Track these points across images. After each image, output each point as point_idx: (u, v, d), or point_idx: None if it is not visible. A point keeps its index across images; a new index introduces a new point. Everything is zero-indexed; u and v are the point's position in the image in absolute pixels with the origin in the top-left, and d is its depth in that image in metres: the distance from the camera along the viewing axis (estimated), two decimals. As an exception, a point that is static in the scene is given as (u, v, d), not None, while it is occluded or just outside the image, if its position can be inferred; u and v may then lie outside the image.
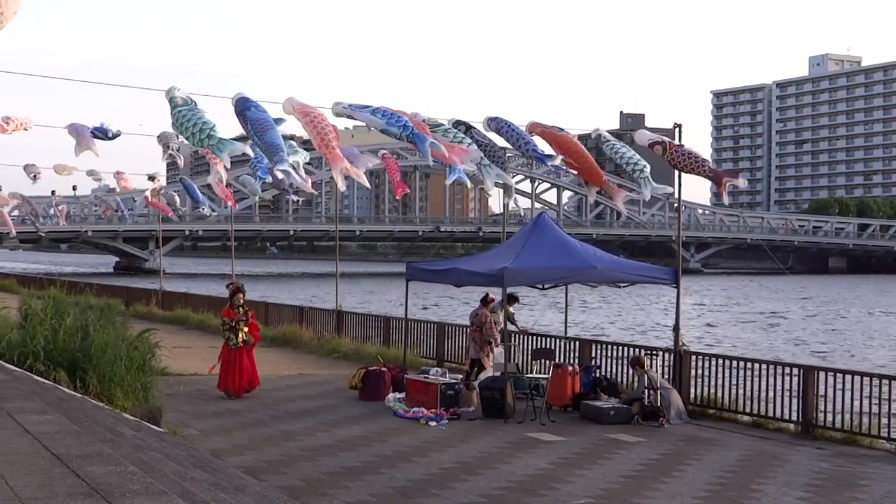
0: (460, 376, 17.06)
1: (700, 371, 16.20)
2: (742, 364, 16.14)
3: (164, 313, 33.44)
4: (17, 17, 4.60)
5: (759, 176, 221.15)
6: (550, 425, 14.61)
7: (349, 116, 14.41)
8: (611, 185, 17.20)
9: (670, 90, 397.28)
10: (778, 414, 14.98)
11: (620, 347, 17.78)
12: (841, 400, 14.31)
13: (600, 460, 12.14)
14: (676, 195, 17.43)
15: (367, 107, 14.20)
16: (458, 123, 16.64)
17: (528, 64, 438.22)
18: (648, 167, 16.14)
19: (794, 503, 10.28)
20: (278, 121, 12.92)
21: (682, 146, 16.31)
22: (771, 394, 15.07)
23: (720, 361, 16.08)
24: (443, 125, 15.79)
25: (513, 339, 18.33)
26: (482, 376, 16.37)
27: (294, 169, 14.04)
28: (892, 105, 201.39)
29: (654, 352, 16.97)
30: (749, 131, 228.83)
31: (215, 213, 69.40)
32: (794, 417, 14.71)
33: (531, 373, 17.22)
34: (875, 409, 13.97)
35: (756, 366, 15.92)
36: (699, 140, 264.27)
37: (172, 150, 18.73)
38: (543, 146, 16.67)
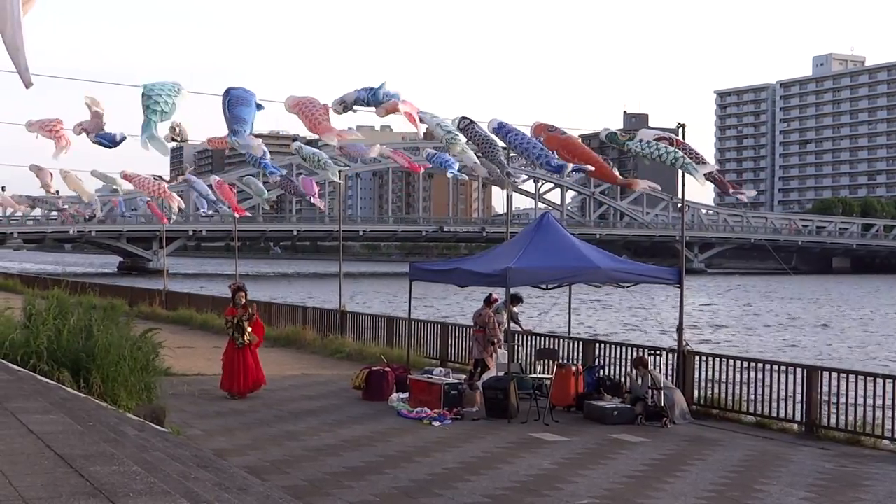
0: (464, 376, 17.06)
1: (703, 371, 16.19)
2: (745, 364, 16.15)
3: (168, 313, 33.44)
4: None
5: (763, 176, 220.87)
6: (554, 425, 14.60)
7: (343, 103, 14.53)
8: (627, 180, 17.17)
9: (674, 90, 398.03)
10: (781, 414, 14.97)
11: (624, 347, 17.76)
12: (845, 400, 14.31)
13: (604, 460, 12.14)
14: (680, 195, 17.37)
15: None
16: (462, 118, 16.68)
17: (532, 64, 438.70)
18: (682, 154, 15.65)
19: (797, 503, 10.27)
20: (259, 106, 13.05)
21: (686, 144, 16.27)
22: (774, 394, 15.06)
23: (723, 361, 16.07)
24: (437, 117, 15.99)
25: (516, 339, 18.33)
26: (486, 376, 16.37)
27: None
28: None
29: (658, 352, 16.96)
30: (752, 131, 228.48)
31: (218, 216, 69.35)
32: (797, 418, 14.70)
33: (535, 373, 17.22)
34: (879, 409, 13.95)
35: (759, 366, 15.92)
36: (703, 140, 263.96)
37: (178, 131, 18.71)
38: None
